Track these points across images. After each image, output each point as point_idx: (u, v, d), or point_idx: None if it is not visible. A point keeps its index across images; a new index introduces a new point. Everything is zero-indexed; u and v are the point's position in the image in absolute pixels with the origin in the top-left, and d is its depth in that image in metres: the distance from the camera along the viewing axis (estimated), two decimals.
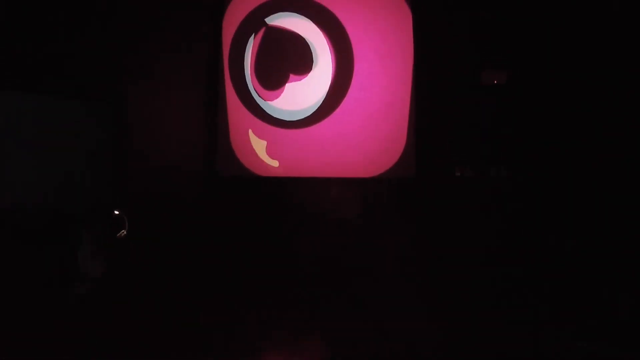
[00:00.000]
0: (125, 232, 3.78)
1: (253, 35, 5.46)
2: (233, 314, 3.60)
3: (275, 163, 5.38)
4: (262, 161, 5.46)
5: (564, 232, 4.10)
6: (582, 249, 3.92)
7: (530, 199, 4.39)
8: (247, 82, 5.53)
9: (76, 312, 3.45)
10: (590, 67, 4.22)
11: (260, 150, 5.44)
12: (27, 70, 3.88)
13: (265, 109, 5.45)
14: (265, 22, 5.40)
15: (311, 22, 5.21)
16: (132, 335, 3.12)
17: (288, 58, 5.31)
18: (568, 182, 4.24)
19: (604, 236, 3.89)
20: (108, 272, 3.79)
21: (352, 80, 5.15)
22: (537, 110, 4.51)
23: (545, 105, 4.48)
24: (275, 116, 5.42)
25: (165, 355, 2.90)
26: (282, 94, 5.37)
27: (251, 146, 5.52)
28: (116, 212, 3.88)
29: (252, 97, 5.50)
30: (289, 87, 5.34)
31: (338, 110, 5.20)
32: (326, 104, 5.23)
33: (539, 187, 4.39)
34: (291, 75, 5.31)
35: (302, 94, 5.30)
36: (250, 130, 5.49)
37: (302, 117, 5.32)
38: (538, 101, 4.52)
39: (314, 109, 5.26)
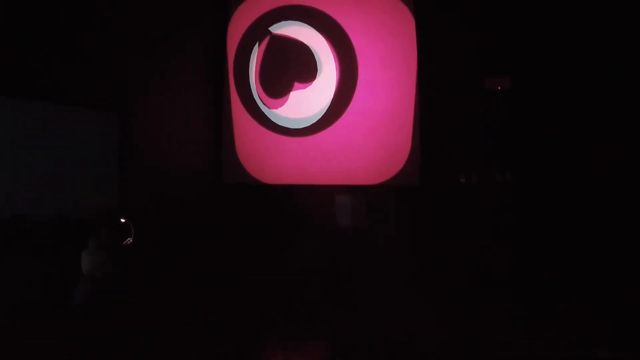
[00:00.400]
0: (131, 240, 3.82)
1: (257, 43, 5.57)
2: (233, 314, 3.59)
3: None
4: (267, 169, 5.51)
5: (569, 234, 4.04)
6: (589, 251, 3.86)
7: (534, 203, 4.35)
8: (252, 90, 5.61)
9: (79, 314, 3.46)
10: (590, 70, 4.21)
11: None
12: (30, 76, 3.95)
13: (270, 117, 5.51)
14: (269, 30, 5.51)
15: (315, 31, 5.30)
16: (133, 335, 3.12)
17: (292, 66, 5.39)
18: (571, 185, 4.19)
19: (609, 239, 3.83)
20: (112, 276, 3.81)
21: (357, 88, 5.19)
22: (540, 114, 4.49)
23: (547, 109, 4.46)
24: (280, 124, 5.47)
25: (165, 355, 2.89)
26: (287, 102, 5.44)
27: (256, 152, 5.58)
28: (122, 220, 3.93)
29: (257, 105, 5.58)
30: (294, 95, 5.41)
31: (342, 118, 5.24)
32: (331, 112, 5.27)
33: (544, 190, 4.35)
34: (296, 84, 5.39)
35: (306, 102, 5.36)
36: None
37: (307, 125, 5.36)
38: (540, 105, 4.50)
39: (319, 117, 5.31)
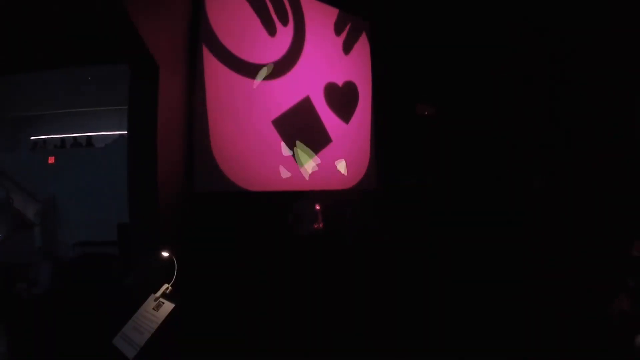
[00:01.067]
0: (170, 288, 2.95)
1: None
2: (233, 314, 3.63)
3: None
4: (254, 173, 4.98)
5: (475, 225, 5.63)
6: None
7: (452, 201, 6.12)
8: None
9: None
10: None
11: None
12: None
13: None
14: None
15: None
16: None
17: None
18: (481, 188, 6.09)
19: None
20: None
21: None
22: (458, 135, 6.36)
23: (463, 132, 6.32)
24: None
25: (165, 355, 2.75)
26: None
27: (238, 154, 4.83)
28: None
29: None
30: None
31: None
32: None
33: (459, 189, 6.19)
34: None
35: None
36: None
37: None
38: (458, 128, 6.35)
39: None
